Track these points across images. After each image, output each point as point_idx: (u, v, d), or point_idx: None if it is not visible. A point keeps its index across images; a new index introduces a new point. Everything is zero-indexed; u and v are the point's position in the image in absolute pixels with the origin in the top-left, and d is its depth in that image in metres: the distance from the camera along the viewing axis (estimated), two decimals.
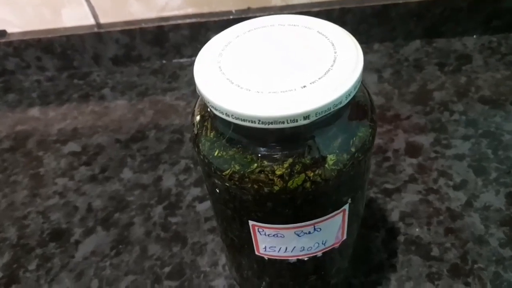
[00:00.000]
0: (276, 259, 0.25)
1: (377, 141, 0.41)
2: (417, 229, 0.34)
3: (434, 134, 0.41)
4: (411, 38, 0.52)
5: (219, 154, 0.21)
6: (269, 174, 0.20)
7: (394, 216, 0.35)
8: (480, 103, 0.43)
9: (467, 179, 0.37)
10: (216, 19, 0.50)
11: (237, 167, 0.20)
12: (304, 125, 0.18)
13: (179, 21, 0.51)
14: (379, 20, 0.51)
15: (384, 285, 0.31)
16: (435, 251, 0.33)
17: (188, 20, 0.51)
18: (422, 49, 0.51)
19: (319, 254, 0.24)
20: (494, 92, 0.44)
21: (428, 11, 0.50)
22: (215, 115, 0.20)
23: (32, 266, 0.35)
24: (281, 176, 0.20)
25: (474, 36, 0.51)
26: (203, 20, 0.51)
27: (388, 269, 0.32)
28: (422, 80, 0.47)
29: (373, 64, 0.49)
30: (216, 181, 0.22)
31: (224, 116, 0.19)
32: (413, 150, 0.40)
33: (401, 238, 0.34)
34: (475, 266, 0.32)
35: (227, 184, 0.21)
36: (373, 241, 0.34)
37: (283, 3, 0.50)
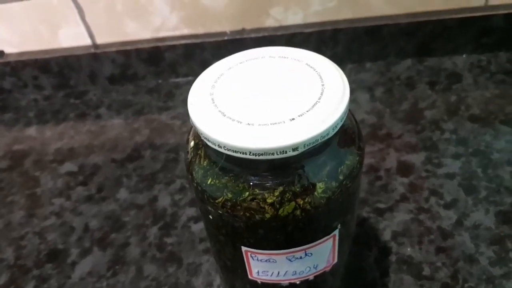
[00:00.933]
0: (269, 283, 0.25)
1: (369, 160, 0.41)
2: (408, 249, 0.35)
3: (425, 153, 0.42)
4: (402, 57, 0.53)
5: (212, 182, 0.21)
6: (261, 202, 0.20)
7: (386, 235, 0.36)
8: (470, 122, 0.44)
9: (458, 197, 0.38)
10: (211, 39, 0.51)
11: (230, 195, 0.21)
12: (293, 156, 0.19)
13: (175, 42, 0.52)
14: (371, 39, 0.52)
15: None
16: (426, 270, 0.33)
17: (183, 41, 0.52)
18: (414, 67, 0.52)
19: (311, 277, 0.25)
20: (484, 110, 0.45)
21: (418, 29, 0.51)
22: (207, 145, 0.20)
23: (29, 287, 0.36)
24: (272, 204, 0.20)
25: (464, 55, 0.52)
26: (198, 40, 0.52)
27: None
28: (413, 99, 0.48)
29: (365, 83, 0.50)
30: (209, 208, 0.22)
31: (216, 148, 0.19)
32: (404, 169, 0.40)
33: (393, 257, 0.34)
34: (466, 285, 0.32)
35: (220, 212, 0.21)
36: (366, 260, 0.34)
37: (277, 24, 0.51)
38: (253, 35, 0.51)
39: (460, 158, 0.41)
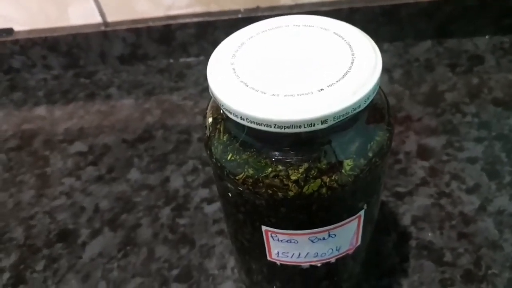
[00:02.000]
0: (288, 265, 0.24)
1: None
2: (429, 234, 0.34)
3: (446, 136, 0.40)
4: (421, 38, 0.51)
5: (232, 158, 0.20)
6: (284, 179, 0.19)
7: (406, 220, 0.35)
8: (493, 105, 0.43)
9: (480, 182, 0.36)
10: (224, 18, 0.50)
11: (251, 172, 0.20)
12: (321, 130, 0.18)
13: (187, 20, 0.51)
14: (388, 20, 0.50)
15: None
16: (448, 256, 0.32)
17: (195, 19, 0.50)
18: (433, 49, 0.50)
19: (333, 260, 0.24)
20: (507, 94, 0.44)
21: (438, 9, 0.49)
22: (228, 118, 0.19)
23: (39, 267, 0.35)
24: (296, 181, 0.19)
25: (486, 37, 0.51)
26: (211, 19, 0.50)
27: (400, 274, 0.32)
28: (433, 81, 0.46)
29: (383, 64, 0.48)
30: (229, 185, 0.21)
31: (238, 120, 0.18)
32: (424, 152, 0.39)
33: (413, 243, 0.33)
34: (489, 272, 0.31)
35: (240, 189, 0.20)
36: (385, 245, 0.33)
37: (292, 2, 0.50)
38: (267, 14, 0.49)
39: (483, 142, 0.39)
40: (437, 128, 0.41)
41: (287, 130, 0.18)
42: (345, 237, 0.23)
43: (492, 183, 0.36)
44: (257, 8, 0.50)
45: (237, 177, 0.20)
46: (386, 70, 0.48)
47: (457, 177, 0.37)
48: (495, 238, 0.33)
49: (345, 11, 0.49)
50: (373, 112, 0.20)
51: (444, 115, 0.42)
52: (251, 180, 0.20)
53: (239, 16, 0.50)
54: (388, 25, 0.50)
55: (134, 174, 0.41)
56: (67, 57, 0.54)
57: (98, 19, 0.52)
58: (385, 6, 0.49)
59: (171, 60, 0.54)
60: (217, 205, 0.37)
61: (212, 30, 0.51)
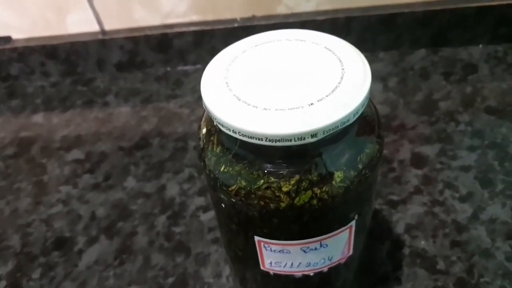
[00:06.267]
0: (281, 274, 0.24)
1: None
2: (422, 242, 0.34)
3: (439, 145, 0.41)
4: (416, 47, 0.52)
5: (225, 170, 0.20)
6: (276, 191, 0.19)
7: (399, 228, 0.35)
8: (486, 114, 0.43)
9: (473, 191, 0.37)
10: (220, 26, 0.50)
11: (243, 183, 0.20)
12: (311, 143, 0.18)
13: (184, 29, 0.51)
14: (384, 28, 0.50)
15: None
16: (441, 264, 0.32)
17: (192, 28, 0.51)
18: (428, 57, 0.51)
19: (325, 269, 0.24)
20: (500, 102, 0.44)
21: (433, 18, 0.49)
22: (221, 131, 0.19)
23: (35, 275, 0.35)
24: (287, 193, 0.19)
25: (480, 46, 0.51)
26: (207, 27, 0.51)
27: (393, 282, 0.32)
28: (427, 89, 0.47)
29: (378, 73, 0.49)
30: (222, 196, 0.21)
31: (231, 133, 0.19)
32: (418, 161, 0.39)
33: (406, 251, 0.33)
34: (481, 280, 0.31)
35: (233, 200, 0.21)
36: (378, 253, 0.34)
37: (288, 11, 0.50)
38: (263, 22, 0.50)
39: (476, 150, 0.40)
40: (431, 137, 0.42)
41: (278, 144, 0.18)
42: (337, 247, 0.23)
43: (485, 191, 0.37)
44: (253, 17, 0.51)
45: (230, 189, 0.20)
46: (381, 78, 0.49)
47: (450, 185, 0.37)
48: (488, 246, 0.33)
49: (342, 20, 0.50)
50: (363, 125, 0.21)
51: (438, 124, 0.43)
52: (243, 192, 0.20)
53: (236, 25, 0.50)
54: (384, 33, 0.51)
55: (130, 182, 0.41)
56: (65, 65, 0.55)
57: (96, 27, 0.52)
58: (381, 15, 0.49)
59: (168, 68, 0.55)
60: (212, 213, 0.38)
61: (209, 39, 0.51)
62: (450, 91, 0.46)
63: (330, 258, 0.23)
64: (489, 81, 0.47)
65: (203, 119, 0.23)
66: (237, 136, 0.18)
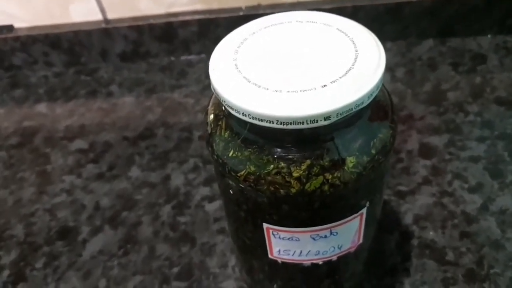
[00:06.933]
0: (289, 263, 0.24)
1: None
2: (431, 233, 0.33)
3: (448, 135, 0.40)
4: (424, 37, 0.51)
5: (234, 155, 0.20)
6: (286, 176, 0.19)
7: (408, 219, 0.34)
8: (496, 104, 0.42)
9: (483, 181, 0.36)
10: (225, 15, 0.50)
11: (253, 168, 0.19)
12: (323, 126, 0.17)
13: (188, 17, 0.50)
14: (392, 18, 0.50)
15: None
16: (450, 256, 0.32)
17: (197, 16, 0.50)
18: (436, 48, 0.50)
19: (334, 258, 0.23)
20: (510, 93, 0.43)
21: (442, 8, 0.49)
22: (230, 114, 0.19)
23: (39, 264, 0.35)
24: (298, 178, 0.19)
25: (489, 36, 0.50)
26: (212, 16, 0.50)
27: (402, 273, 0.31)
28: (435, 80, 0.46)
29: (386, 63, 0.48)
30: (230, 182, 0.21)
31: (240, 116, 0.18)
32: (427, 151, 0.39)
33: (415, 242, 0.33)
34: (491, 271, 0.31)
35: (242, 186, 0.20)
36: (387, 244, 0.33)
37: (294, 0, 0.49)
38: (269, 11, 0.49)
39: (485, 141, 0.39)
40: (440, 127, 0.41)
41: (289, 127, 0.17)
42: (347, 235, 0.22)
43: (495, 182, 0.36)
44: (258, 6, 0.50)
45: (238, 174, 0.20)
46: (389, 68, 0.48)
47: (459, 176, 0.37)
48: (498, 237, 0.33)
49: (349, 9, 0.49)
50: (376, 110, 0.20)
51: (447, 114, 0.42)
52: (253, 177, 0.19)
53: (241, 13, 0.49)
54: (392, 23, 0.50)
55: (135, 172, 0.41)
56: (68, 54, 0.54)
57: (99, 16, 0.52)
58: (388, 5, 0.49)
59: (173, 58, 0.54)
60: (218, 203, 0.37)
61: (213, 28, 0.51)
62: (458, 82, 0.46)
63: (339, 246, 0.23)
64: (498, 72, 0.46)
65: (210, 103, 0.22)
66: (246, 119, 0.18)
